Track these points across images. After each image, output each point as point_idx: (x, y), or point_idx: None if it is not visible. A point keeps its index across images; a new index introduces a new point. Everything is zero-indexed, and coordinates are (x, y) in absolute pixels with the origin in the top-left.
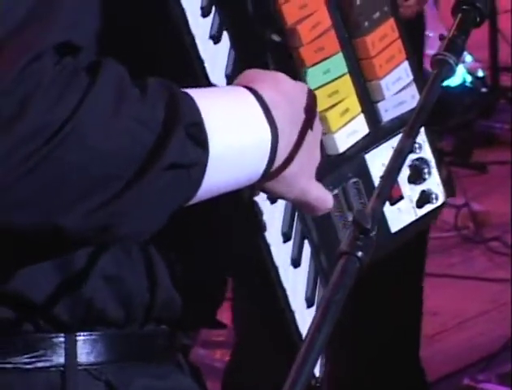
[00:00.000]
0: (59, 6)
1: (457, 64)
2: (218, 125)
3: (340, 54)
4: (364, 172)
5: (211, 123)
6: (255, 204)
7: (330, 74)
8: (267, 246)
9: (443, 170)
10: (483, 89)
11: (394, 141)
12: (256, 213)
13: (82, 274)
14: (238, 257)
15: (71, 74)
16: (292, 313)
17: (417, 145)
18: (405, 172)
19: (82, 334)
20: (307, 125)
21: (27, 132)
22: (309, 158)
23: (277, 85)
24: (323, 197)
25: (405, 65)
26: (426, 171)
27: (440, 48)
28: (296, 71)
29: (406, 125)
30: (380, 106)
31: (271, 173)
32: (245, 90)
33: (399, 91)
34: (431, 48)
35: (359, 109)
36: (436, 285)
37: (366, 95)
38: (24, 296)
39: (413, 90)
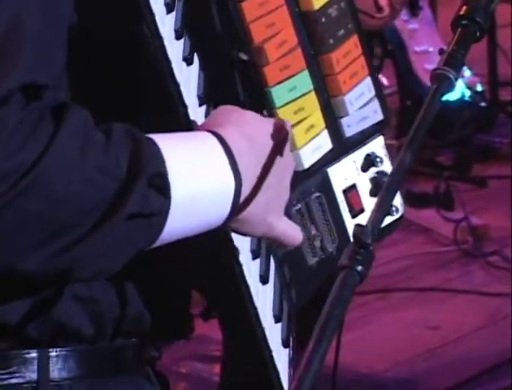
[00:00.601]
0: (22, 45)
1: (456, 79)
2: (181, 172)
3: (306, 72)
4: (326, 186)
5: (175, 169)
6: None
7: (296, 91)
8: (240, 266)
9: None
10: (482, 104)
11: (355, 155)
12: (229, 237)
13: (54, 295)
14: (209, 275)
15: (37, 119)
16: (262, 329)
17: (378, 159)
18: (366, 185)
19: (54, 350)
20: (269, 167)
21: None
22: (277, 194)
23: (243, 128)
24: (291, 233)
25: (368, 81)
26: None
27: (440, 62)
28: (262, 89)
29: (407, 138)
30: (344, 121)
31: (234, 217)
32: (210, 135)
33: (362, 106)
34: (431, 62)
35: (323, 125)
36: (435, 299)
37: (330, 111)
38: None
39: (375, 105)
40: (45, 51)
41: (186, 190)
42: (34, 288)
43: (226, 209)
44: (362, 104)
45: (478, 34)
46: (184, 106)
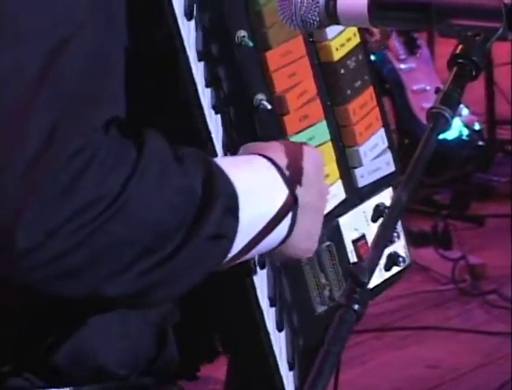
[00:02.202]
0: (108, 82)
1: (452, 117)
2: (245, 194)
3: (324, 122)
4: (337, 236)
5: (239, 192)
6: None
7: (314, 141)
8: (261, 311)
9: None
10: (480, 142)
11: (365, 206)
12: (252, 282)
13: (97, 336)
14: (232, 323)
15: (120, 148)
16: (280, 377)
17: (386, 210)
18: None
19: (85, 387)
20: (317, 191)
21: (80, 204)
22: (317, 217)
23: (283, 150)
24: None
25: (382, 132)
26: (394, 234)
27: (436, 101)
28: (281, 137)
29: (403, 177)
30: (357, 172)
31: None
32: (260, 157)
33: (375, 158)
34: (429, 101)
35: (338, 175)
36: (433, 338)
37: (345, 161)
38: (30, 352)
39: (388, 157)
40: (120, 83)
41: (250, 212)
42: (78, 328)
43: (284, 229)
44: (375, 155)
45: (474, 73)
46: (209, 133)
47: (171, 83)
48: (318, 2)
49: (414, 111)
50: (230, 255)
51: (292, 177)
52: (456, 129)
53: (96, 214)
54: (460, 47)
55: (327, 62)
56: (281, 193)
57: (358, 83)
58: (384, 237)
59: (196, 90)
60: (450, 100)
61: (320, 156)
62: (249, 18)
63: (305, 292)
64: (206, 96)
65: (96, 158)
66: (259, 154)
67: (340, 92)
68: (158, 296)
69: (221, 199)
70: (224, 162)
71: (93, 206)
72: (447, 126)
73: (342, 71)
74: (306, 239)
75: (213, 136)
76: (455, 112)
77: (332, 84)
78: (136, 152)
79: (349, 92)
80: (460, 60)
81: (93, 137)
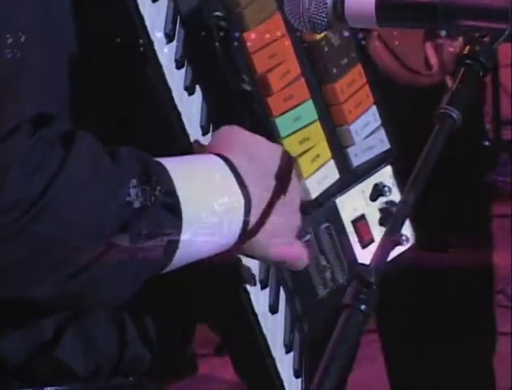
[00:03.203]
0: (28, 76)
1: (460, 118)
2: (190, 192)
3: (310, 101)
4: (335, 217)
5: (183, 190)
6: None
7: (300, 121)
8: (247, 294)
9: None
10: (485, 143)
11: (364, 185)
12: (237, 263)
13: (56, 334)
14: (216, 307)
15: (46, 147)
16: (273, 359)
17: (386, 188)
18: (375, 215)
19: (49, 389)
20: (280, 188)
21: (3, 205)
22: (287, 218)
23: (248, 150)
24: (300, 257)
25: (374, 110)
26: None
27: (443, 102)
28: (267, 118)
29: (410, 178)
30: (350, 151)
31: (245, 237)
32: (215, 157)
33: (368, 136)
34: None
35: (330, 154)
36: None
37: (336, 141)
38: None
39: (381, 134)
40: (50, 81)
41: (197, 211)
42: (37, 326)
43: (237, 228)
44: (368, 133)
45: (481, 73)
46: (186, 135)
47: (136, 66)
48: (326, 3)
49: None
50: (182, 254)
51: (248, 177)
52: None
53: (21, 214)
54: (467, 48)
55: (311, 40)
56: (232, 190)
57: (345, 61)
58: (392, 238)
59: (162, 72)
60: (458, 100)
61: (286, 156)
62: None
63: (306, 276)
64: (174, 77)
65: (19, 156)
66: (216, 154)
67: (326, 70)
68: (98, 298)
69: (156, 197)
70: (169, 162)
71: (17, 206)
72: (454, 127)
73: (326, 49)
74: (273, 239)
75: (183, 117)
76: (462, 113)
77: (317, 63)
78: (63, 151)
79: (335, 70)
80: (467, 61)
81: (15, 135)
